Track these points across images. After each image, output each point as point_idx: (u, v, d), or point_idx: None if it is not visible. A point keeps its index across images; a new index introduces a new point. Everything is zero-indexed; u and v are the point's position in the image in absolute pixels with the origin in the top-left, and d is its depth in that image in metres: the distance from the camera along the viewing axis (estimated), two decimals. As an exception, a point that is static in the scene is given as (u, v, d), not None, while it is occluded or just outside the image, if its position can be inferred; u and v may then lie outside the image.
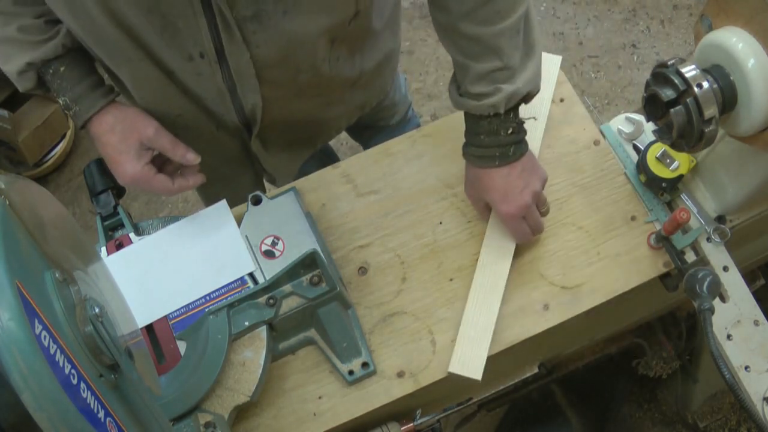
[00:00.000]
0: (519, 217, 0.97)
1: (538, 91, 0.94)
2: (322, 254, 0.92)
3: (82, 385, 0.51)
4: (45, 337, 0.48)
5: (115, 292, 0.76)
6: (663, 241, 0.99)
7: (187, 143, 0.96)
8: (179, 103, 0.98)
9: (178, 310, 0.96)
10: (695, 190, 1.03)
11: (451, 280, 1.02)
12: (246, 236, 1.00)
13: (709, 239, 0.99)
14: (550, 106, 1.11)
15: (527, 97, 0.93)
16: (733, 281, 0.97)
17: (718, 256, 0.98)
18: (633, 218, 1.04)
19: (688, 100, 0.77)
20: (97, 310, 0.56)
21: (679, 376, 1.52)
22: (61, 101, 0.92)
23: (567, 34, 2.45)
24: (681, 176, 1.00)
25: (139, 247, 1.01)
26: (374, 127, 1.43)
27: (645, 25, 2.45)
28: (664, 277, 1.01)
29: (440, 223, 1.06)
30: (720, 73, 0.79)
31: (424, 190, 1.08)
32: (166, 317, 0.96)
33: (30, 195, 0.59)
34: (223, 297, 0.96)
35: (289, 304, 0.93)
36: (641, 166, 1.03)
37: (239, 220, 1.02)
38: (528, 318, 0.98)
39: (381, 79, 1.21)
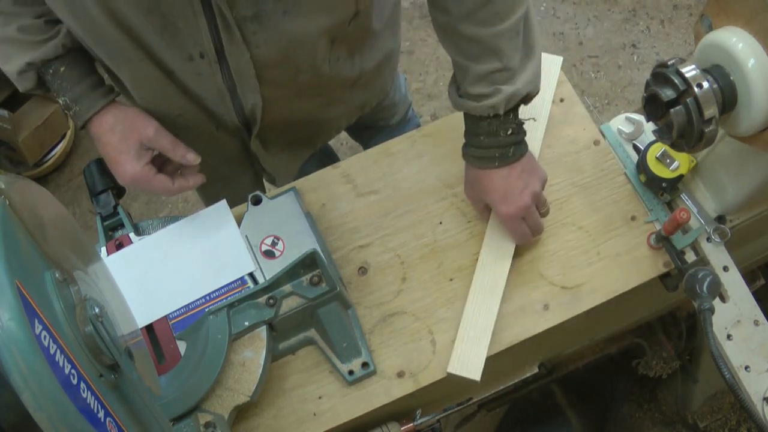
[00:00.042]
0: (518, 218, 0.97)
1: (537, 92, 0.94)
2: (322, 254, 0.92)
3: (82, 385, 0.51)
4: (45, 337, 0.48)
5: (115, 292, 0.76)
6: (663, 241, 0.99)
7: (187, 143, 0.96)
8: (179, 103, 0.98)
9: (178, 310, 0.96)
10: (695, 190, 1.03)
11: (451, 280, 1.02)
12: (246, 236, 1.00)
13: (709, 239, 0.99)
14: (550, 107, 1.11)
15: (527, 98, 0.93)
16: (733, 281, 0.97)
17: (718, 256, 0.98)
18: (633, 218, 1.04)
19: (688, 100, 0.77)
20: (97, 310, 0.57)
21: (679, 376, 1.52)
22: (61, 101, 0.92)
23: (567, 34, 2.45)
24: (681, 176, 1.00)
25: (139, 247, 1.01)
26: (374, 127, 1.43)
27: (645, 25, 2.45)
28: (664, 277, 1.01)
29: (440, 223, 1.06)
30: (720, 73, 0.79)
31: (424, 190, 1.08)
32: (166, 317, 0.96)
33: (30, 195, 0.59)
34: (223, 297, 0.96)
35: (289, 304, 0.93)
36: (641, 166, 1.03)
37: (239, 220, 1.02)
38: (528, 318, 0.98)
39: (381, 79, 1.21)
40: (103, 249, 1.02)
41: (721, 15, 0.80)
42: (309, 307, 0.93)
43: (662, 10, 2.47)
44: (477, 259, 1.01)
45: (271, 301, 0.92)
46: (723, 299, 0.97)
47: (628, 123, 1.10)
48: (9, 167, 2.33)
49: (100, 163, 1.03)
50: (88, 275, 0.65)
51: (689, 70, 0.78)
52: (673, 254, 0.98)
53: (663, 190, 1.03)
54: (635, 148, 1.09)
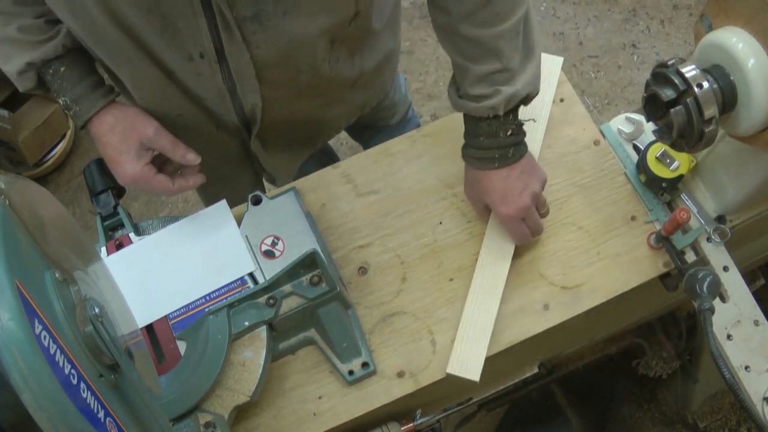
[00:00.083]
0: (518, 219, 0.97)
1: (537, 93, 0.94)
2: (322, 254, 0.92)
3: (82, 385, 0.51)
4: (45, 337, 0.48)
5: (115, 292, 0.76)
6: (663, 241, 0.99)
7: (187, 143, 0.96)
8: (179, 103, 0.98)
9: (178, 310, 0.96)
10: (695, 190, 1.03)
11: (451, 280, 1.02)
12: (246, 236, 1.00)
13: (709, 239, 0.99)
14: (551, 107, 1.11)
15: (526, 99, 0.93)
16: (733, 281, 0.97)
17: (718, 256, 0.98)
18: (633, 218, 1.04)
19: (688, 100, 0.77)
20: (97, 310, 0.57)
21: (679, 376, 1.52)
22: (61, 101, 0.92)
23: (567, 34, 2.45)
24: (681, 176, 1.00)
25: (139, 247, 1.01)
26: (374, 127, 1.43)
27: (645, 25, 2.45)
28: (664, 277, 1.01)
29: (440, 223, 1.06)
30: (720, 73, 0.79)
31: (424, 190, 1.08)
32: (166, 317, 0.96)
33: (30, 195, 0.59)
34: (223, 297, 0.96)
35: (289, 304, 0.93)
36: (641, 166, 1.03)
37: (239, 220, 1.02)
38: (528, 318, 0.98)
39: (381, 79, 1.21)
40: (103, 249, 1.02)
41: (721, 15, 0.80)
42: (309, 307, 0.93)
43: (662, 10, 2.47)
44: (477, 260, 1.01)
45: (271, 301, 0.92)
46: (723, 299, 0.97)
47: (628, 123, 1.10)
48: (9, 167, 2.33)
49: (100, 163, 1.03)
50: (88, 275, 0.65)
51: (689, 70, 0.78)
52: (673, 254, 0.98)
53: (663, 190, 1.03)
54: (635, 148, 1.09)
